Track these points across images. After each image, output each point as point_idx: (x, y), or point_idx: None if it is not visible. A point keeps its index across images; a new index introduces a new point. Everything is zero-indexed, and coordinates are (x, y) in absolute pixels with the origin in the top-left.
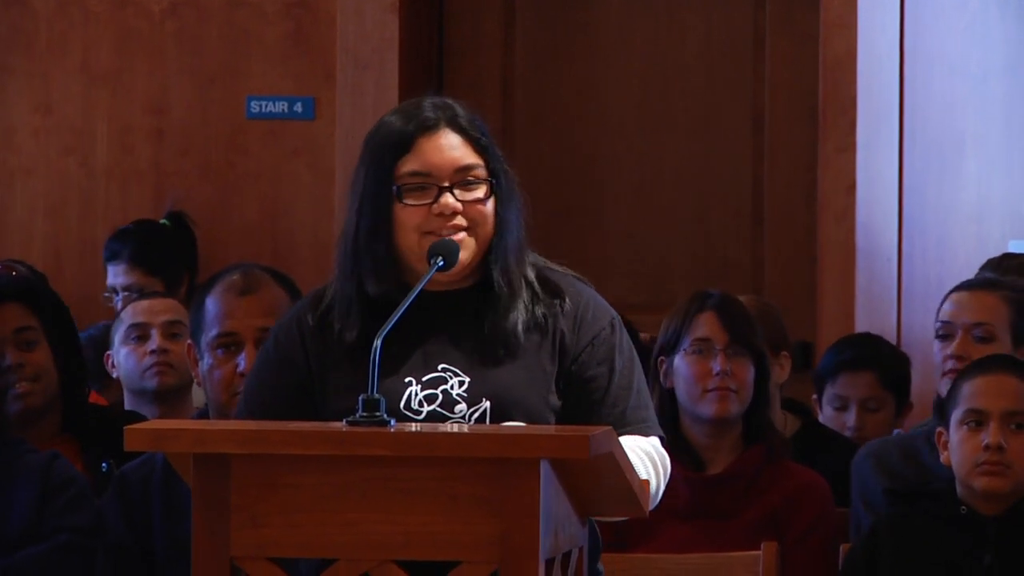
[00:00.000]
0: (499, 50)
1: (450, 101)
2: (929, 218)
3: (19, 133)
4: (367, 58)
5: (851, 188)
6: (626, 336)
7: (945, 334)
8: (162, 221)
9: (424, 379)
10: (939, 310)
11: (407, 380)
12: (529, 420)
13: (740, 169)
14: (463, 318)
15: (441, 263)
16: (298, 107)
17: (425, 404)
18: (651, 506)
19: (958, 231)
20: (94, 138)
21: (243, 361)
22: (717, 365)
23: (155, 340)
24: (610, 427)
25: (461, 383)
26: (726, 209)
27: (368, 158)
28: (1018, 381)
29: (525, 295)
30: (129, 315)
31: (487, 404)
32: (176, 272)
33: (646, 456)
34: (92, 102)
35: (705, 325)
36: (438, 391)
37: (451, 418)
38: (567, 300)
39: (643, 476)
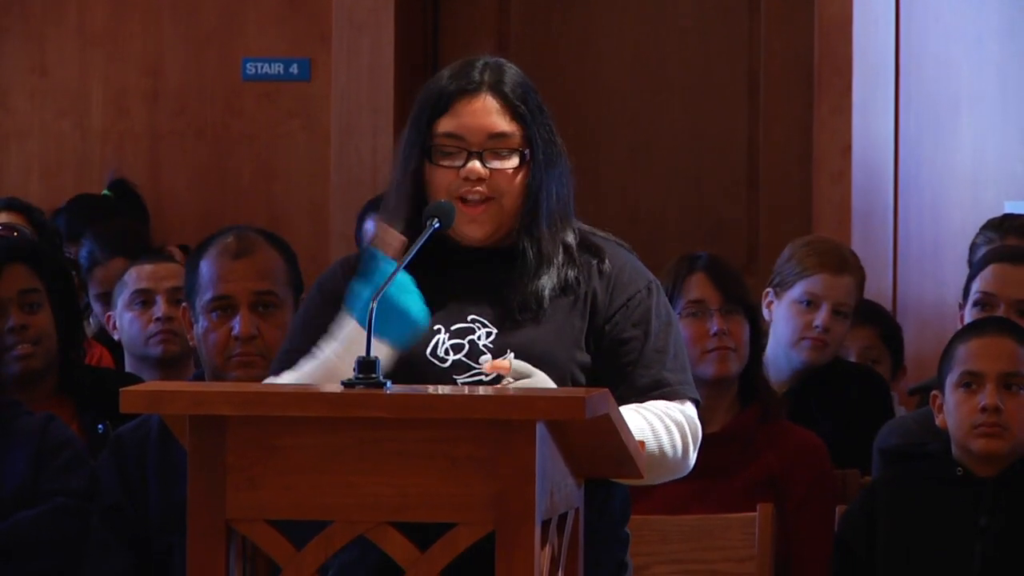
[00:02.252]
0: (495, 10)
1: (502, 64)
2: (924, 179)
3: (14, 95)
4: (362, 19)
5: (846, 150)
6: (664, 300)
7: (985, 303)
8: (104, 192)
9: (452, 328)
10: (974, 277)
11: (436, 328)
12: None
13: (735, 131)
14: (498, 274)
15: (437, 224)
16: (294, 69)
17: (451, 353)
18: (681, 471)
19: (954, 192)
20: (89, 100)
21: (238, 324)
22: (714, 325)
23: (160, 307)
24: (607, 389)
25: (488, 334)
26: (721, 171)
27: (414, 113)
28: (1013, 342)
29: (559, 260)
30: (133, 279)
31: (511, 356)
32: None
33: (672, 423)
34: (87, 64)
35: (697, 287)
36: (465, 341)
37: (475, 368)
38: (606, 261)
39: (663, 442)
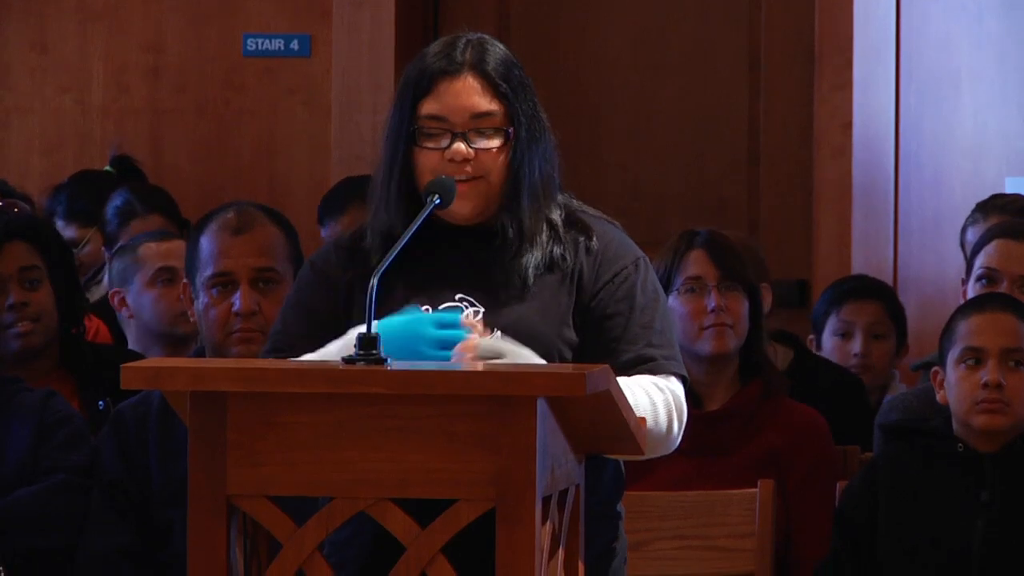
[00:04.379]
0: None
1: (485, 41)
2: (925, 155)
3: (15, 72)
4: None
5: (847, 126)
6: (652, 276)
7: (989, 279)
8: (106, 168)
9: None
10: (977, 252)
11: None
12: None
13: (736, 107)
14: (486, 253)
15: (438, 200)
16: (294, 45)
17: None
18: (664, 447)
19: (954, 168)
20: (90, 76)
21: (238, 300)
22: (711, 302)
23: None
24: (607, 365)
25: (476, 313)
26: (722, 147)
27: (398, 95)
28: (1015, 319)
29: (543, 236)
30: (157, 257)
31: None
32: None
33: (656, 395)
34: (88, 40)
35: (695, 263)
36: None
37: None
38: (593, 238)
39: (646, 414)
